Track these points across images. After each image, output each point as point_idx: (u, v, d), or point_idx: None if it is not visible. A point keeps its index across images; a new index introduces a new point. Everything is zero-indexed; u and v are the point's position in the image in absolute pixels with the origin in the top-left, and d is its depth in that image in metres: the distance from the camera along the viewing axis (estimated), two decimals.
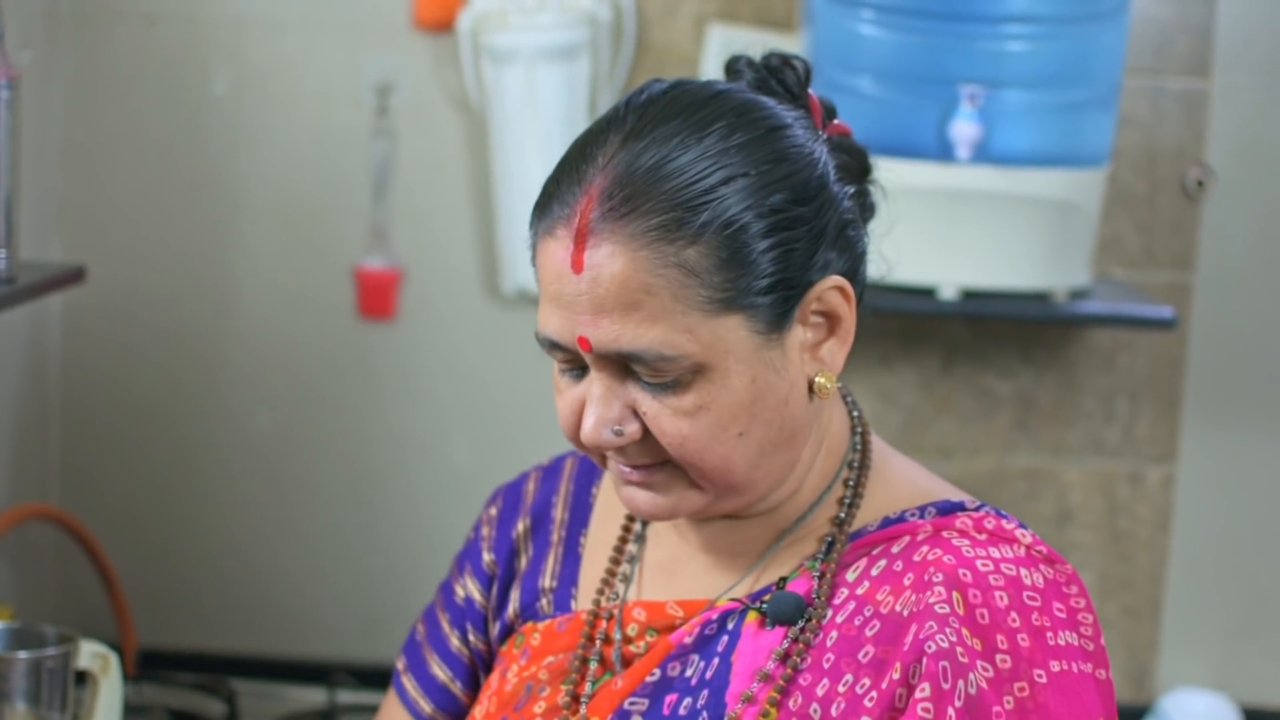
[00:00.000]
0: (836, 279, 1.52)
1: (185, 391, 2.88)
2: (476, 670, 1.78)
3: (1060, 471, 2.86)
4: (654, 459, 1.51)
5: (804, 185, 1.50)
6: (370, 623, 2.90)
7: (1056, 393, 2.84)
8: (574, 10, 2.71)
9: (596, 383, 1.49)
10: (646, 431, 1.49)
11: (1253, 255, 2.83)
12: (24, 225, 2.41)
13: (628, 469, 1.52)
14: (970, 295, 2.57)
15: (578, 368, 1.51)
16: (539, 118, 2.71)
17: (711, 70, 2.73)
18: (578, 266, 1.45)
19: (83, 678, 2.23)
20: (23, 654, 2.12)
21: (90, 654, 2.22)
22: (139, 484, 2.90)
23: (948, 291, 2.56)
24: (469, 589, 1.77)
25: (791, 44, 2.71)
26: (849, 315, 1.54)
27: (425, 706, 1.79)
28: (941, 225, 2.53)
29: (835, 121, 1.61)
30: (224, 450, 2.90)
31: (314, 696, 2.82)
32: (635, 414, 1.49)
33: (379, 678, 2.72)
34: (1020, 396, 2.84)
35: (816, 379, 1.54)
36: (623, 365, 1.48)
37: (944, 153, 2.50)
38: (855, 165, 1.60)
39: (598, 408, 1.49)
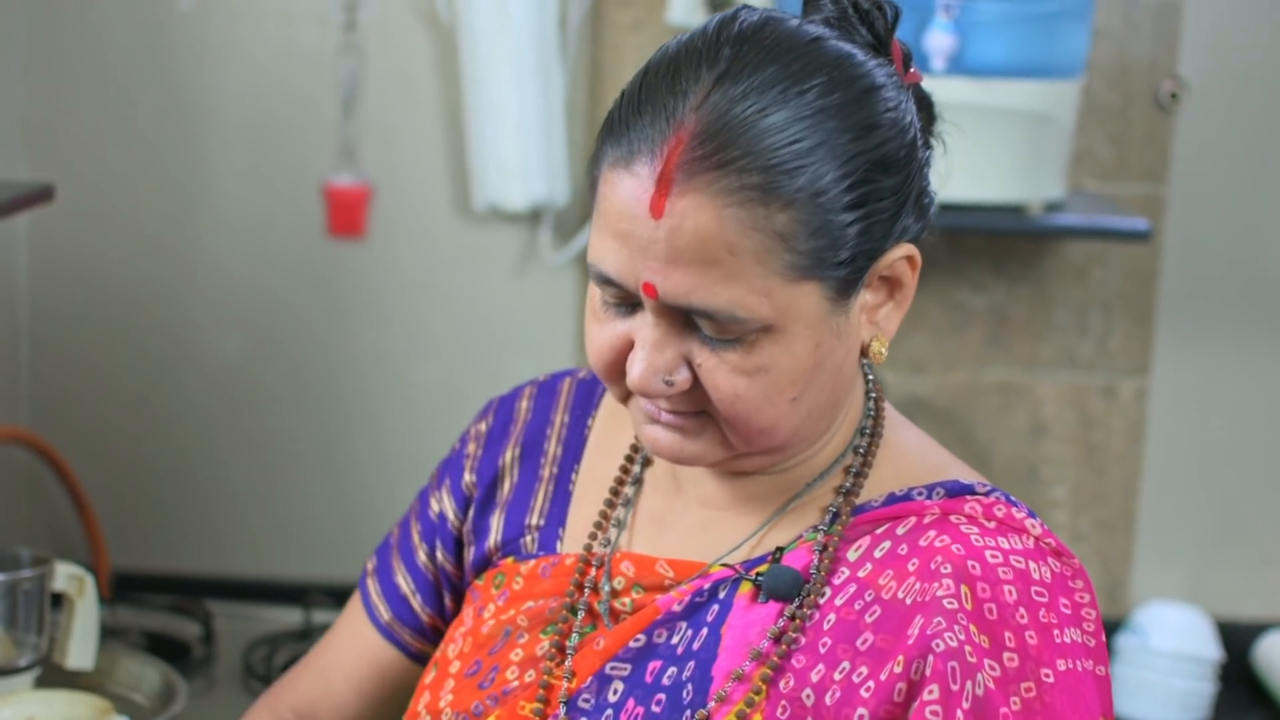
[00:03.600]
0: (908, 248, 1.49)
1: (155, 312, 2.86)
2: (440, 589, 1.74)
3: (1033, 385, 2.86)
4: (693, 408, 1.47)
5: (894, 155, 1.45)
6: (345, 542, 2.89)
7: (1029, 306, 2.84)
8: None
9: (652, 328, 1.44)
10: (695, 382, 1.45)
11: (1226, 168, 2.82)
12: None
13: (659, 410, 1.48)
14: (944, 208, 2.53)
15: (627, 304, 1.46)
16: (509, 32, 2.68)
17: None
18: (657, 211, 1.40)
19: (58, 600, 2.23)
20: None
21: (66, 576, 2.22)
22: (109, 406, 2.89)
23: None
24: (444, 504, 1.73)
25: None
26: (912, 283, 1.51)
27: (384, 613, 1.75)
28: None
29: (912, 70, 1.55)
30: (195, 371, 2.88)
31: (289, 617, 2.81)
32: (688, 364, 1.44)
33: None
34: (993, 310, 2.83)
35: (872, 344, 1.51)
36: (684, 316, 1.43)
37: (919, 64, 2.47)
38: (928, 118, 1.55)
39: (650, 354, 1.44)
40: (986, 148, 2.53)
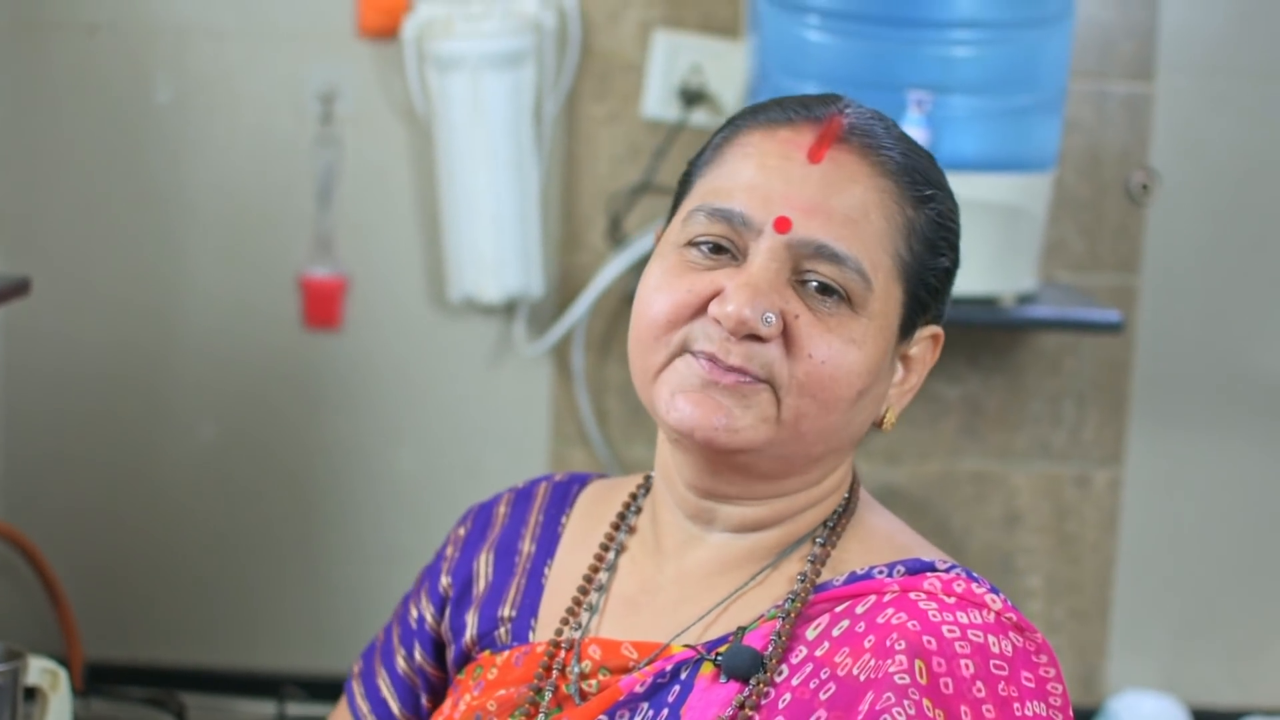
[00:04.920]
0: (938, 328, 1.59)
1: (130, 403, 2.86)
2: (418, 692, 1.77)
3: (1008, 475, 2.86)
4: (757, 372, 1.48)
5: (959, 237, 1.58)
6: (319, 634, 2.89)
7: (1003, 397, 2.84)
8: (519, 17, 2.70)
9: (762, 268, 1.48)
10: (778, 341, 1.47)
11: (1197, 258, 2.83)
12: None
13: (723, 370, 1.48)
14: None
15: (715, 255, 1.50)
16: (484, 125, 2.69)
17: (657, 76, 2.73)
18: (816, 156, 1.49)
19: (32, 694, 2.21)
20: None
21: (39, 670, 2.20)
22: (84, 496, 2.88)
23: None
24: (423, 609, 1.76)
25: (737, 50, 2.71)
26: (931, 361, 1.60)
27: (367, 716, 1.78)
28: None
29: None
30: (169, 461, 2.88)
31: (264, 709, 2.81)
32: (782, 317, 1.48)
33: (328, 689, 2.71)
34: (967, 401, 2.84)
35: (886, 413, 1.58)
36: (793, 268, 1.48)
37: None
38: None
39: (757, 289, 1.47)
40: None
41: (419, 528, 2.84)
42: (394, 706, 1.77)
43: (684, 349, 1.50)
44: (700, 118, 2.74)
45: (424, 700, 1.77)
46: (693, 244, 1.51)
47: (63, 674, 2.22)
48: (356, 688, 1.80)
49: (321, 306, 2.82)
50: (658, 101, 2.75)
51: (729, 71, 2.72)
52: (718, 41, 2.73)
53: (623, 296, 2.78)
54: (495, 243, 2.72)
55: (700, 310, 1.49)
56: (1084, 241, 2.81)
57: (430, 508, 2.85)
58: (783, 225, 1.47)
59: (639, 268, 2.72)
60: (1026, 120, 2.54)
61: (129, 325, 2.84)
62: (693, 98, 2.73)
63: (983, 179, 2.52)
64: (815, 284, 1.48)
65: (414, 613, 1.76)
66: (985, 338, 2.82)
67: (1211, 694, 2.91)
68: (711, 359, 1.48)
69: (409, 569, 2.81)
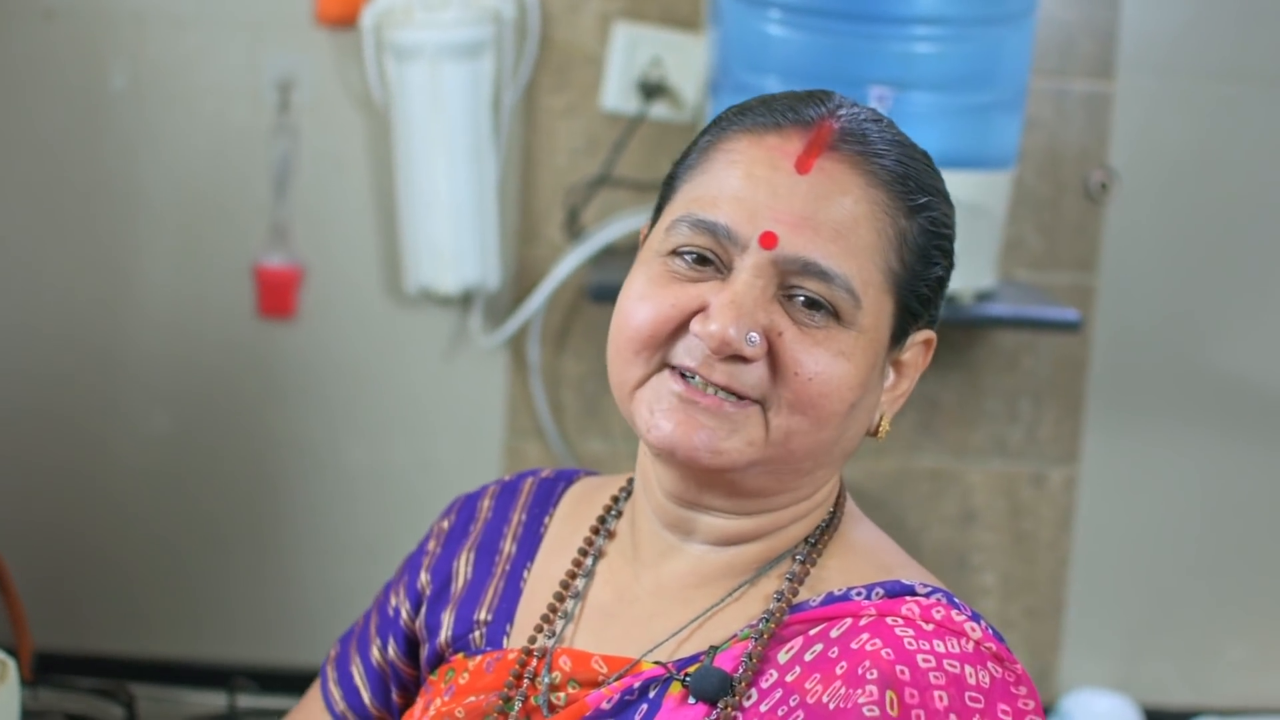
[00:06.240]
0: (930, 332, 1.55)
1: (81, 391, 2.84)
2: (389, 684, 1.75)
3: (964, 473, 2.86)
4: (748, 390, 1.45)
5: (953, 241, 1.55)
6: (270, 625, 2.87)
7: (960, 394, 2.84)
8: (478, 7, 2.69)
9: (747, 286, 1.44)
10: (765, 360, 1.45)
11: (1155, 258, 2.83)
12: None
13: (705, 392, 1.45)
14: None
15: (699, 266, 1.47)
16: (443, 115, 2.68)
17: (616, 68, 2.71)
18: (804, 166, 1.45)
19: None
20: None
21: None
22: (34, 485, 2.86)
23: None
24: (400, 601, 1.73)
25: (697, 44, 2.70)
26: (923, 365, 1.56)
27: (339, 702, 1.77)
28: None
29: None
30: (121, 451, 2.86)
31: (214, 700, 2.79)
32: (767, 336, 1.45)
33: (279, 681, 2.71)
34: (924, 398, 2.83)
35: (882, 421, 1.54)
36: (779, 284, 1.45)
37: None
38: None
39: (741, 307, 1.44)
40: None
41: (371, 520, 2.83)
42: (365, 696, 1.75)
43: (664, 364, 1.48)
44: (660, 110, 2.73)
45: (394, 695, 1.75)
46: (676, 253, 1.48)
47: (11, 664, 2.20)
48: (330, 672, 1.78)
49: (276, 296, 2.80)
50: (617, 94, 2.74)
51: (689, 65, 2.71)
52: (678, 34, 2.72)
53: (579, 290, 2.77)
54: (452, 234, 2.70)
55: (682, 325, 1.47)
56: (1043, 240, 2.80)
57: (383, 500, 2.84)
58: (769, 241, 1.44)
59: (596, 261, 2.72)
60: (987, 117, 2.53)
61: (81, 312, 2.82)
62: (652, 90, 2.72)
63: (943, 176, 2.51)
64: (802, 299, 1.45)
65: (392, 602, 1.74)
66: (943, 335, 2.70)
67: (1165, 694, 2.92)
68: (694, 376, 1.46)
69: (361, 561, 2.83)
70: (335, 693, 1.77)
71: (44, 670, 2.73)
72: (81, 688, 2.74)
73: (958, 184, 2.45)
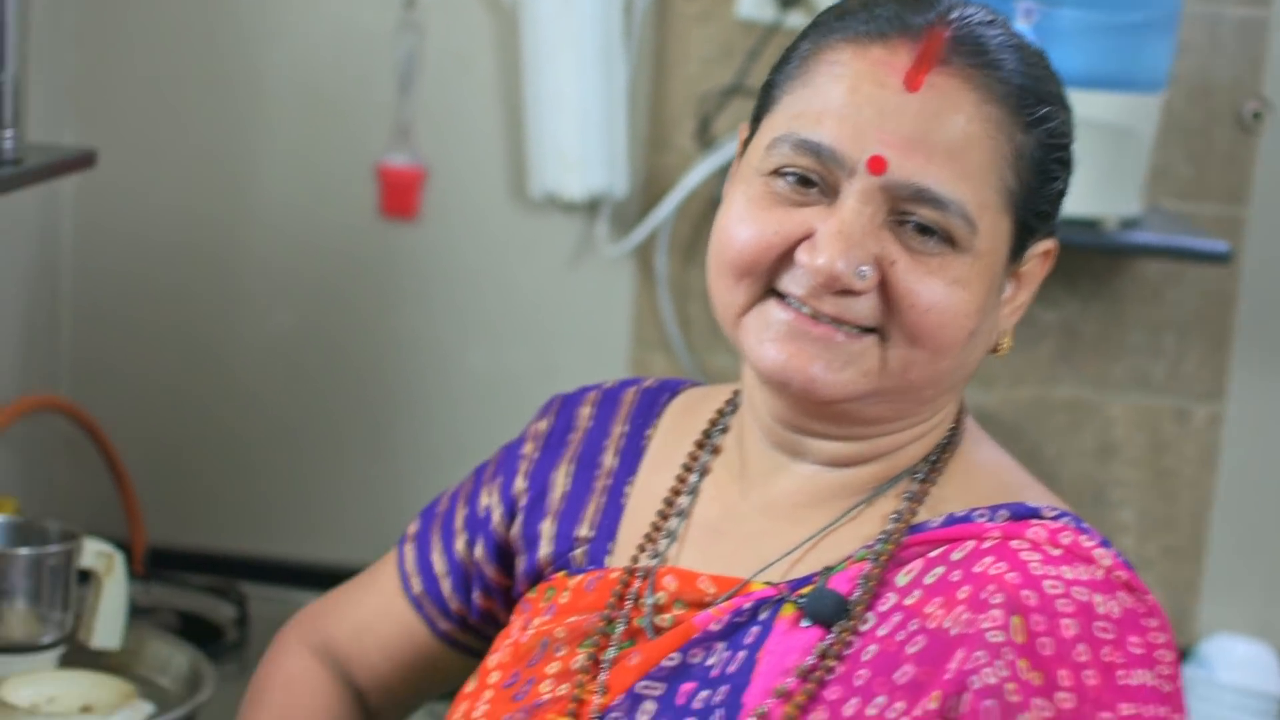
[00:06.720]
0: (1050, 242, 1.48)
1: (201, 285, 2.84)
2: (470, 582, 1.68)
3: (1103, 405, 2.79)
4: (864, 320, 1.40)
5: (1071, 150, 1.48)
6: (384, 528, 2.81)
7: (1102, 324, 2.77)
8: None
9: (853, 212, 1.38)
10: (877, 290, 1.39)
11: None
12: (35, 108, 2.36)
13: (816, 322, 1.40)
14: None
15: (803, 188, 1.40)
16: (573, 15, 2.63)
17: None
18: (913, 83, 1.38)
19: (87, 576, 2.20)
20: (23, 550, 2.11)
21: (94, 552, 2.20)
22: (152, 378, 2.86)
23: None
24: (493, 501, 1.68)
25: None
26: (1042, 276, 1.49)
27: (416, 585, 1.70)
28: None
29: None
30: (240, 346, 2.85)
31: None
32: (878, 266, 1.39)
33: None
34: (1063, 327, 2.77)
35: (1003, 339, 1.48)
36: (889, 209, 1.39)
37: None
38: None
39: (850, 238, 1.38)
40: None
41: (488, 426, 2.78)
42: (445, 587, 1.69)
43: (771, 290, 1.42)
44: (796, 20, 2.65)
45: (476, 594, 1.68)
46: (778, 173, 1.42)
47: (118, 557, 2.21)
48: (409, 553, 1.71)
49: (399, 196, 2.77)
50: (753, 1, 2.68)
51: None
52: None
53: (710, 200, 2.72)
54: (579, 139, 2.66)
55: (787, 253, 1.41)
56: (1192, 169, 2.73)
57: (501, 407, 2.80)
58: (877, 166, 1.37)
59: (727, 172, 2.65)
60: (1137, 38, 2.48)
61: (201, 206, 2.81)
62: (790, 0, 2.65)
63: (1089, 96, 2.43)
64: (914, 224, 1.39)
65: (483, 501, 1.68)
66: (1085, 261, 2.74)
67: None
68: (804, 304, 1.40)
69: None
70: (413, 576, 1.70)
71: (157, 565, 2.75)
72: (193, 585, 2.75)
73: (1104, 105, 2.46)
